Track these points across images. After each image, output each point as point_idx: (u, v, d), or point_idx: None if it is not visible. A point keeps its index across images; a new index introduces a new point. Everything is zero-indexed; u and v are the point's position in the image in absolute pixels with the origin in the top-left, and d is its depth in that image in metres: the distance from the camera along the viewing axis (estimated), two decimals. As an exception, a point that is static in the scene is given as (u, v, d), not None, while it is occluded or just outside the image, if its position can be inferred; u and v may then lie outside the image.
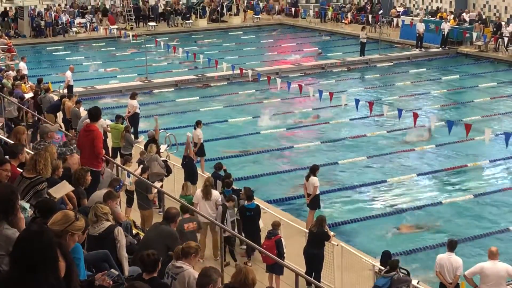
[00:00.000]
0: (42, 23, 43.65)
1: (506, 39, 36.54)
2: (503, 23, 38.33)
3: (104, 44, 42.61)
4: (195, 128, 18.82)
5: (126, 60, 37.26)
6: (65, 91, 25.11)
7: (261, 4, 52.77)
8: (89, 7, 48.80)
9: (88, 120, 13.18)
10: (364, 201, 18.30)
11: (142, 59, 33.23)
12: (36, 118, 18.36)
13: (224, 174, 15.69)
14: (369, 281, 12.60)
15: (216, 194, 13.98)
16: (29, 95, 21.68)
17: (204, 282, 6.69)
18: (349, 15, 47.98)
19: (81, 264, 6.70)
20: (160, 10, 49.47)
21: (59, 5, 47.01)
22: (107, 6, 49.31)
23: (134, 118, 21.59)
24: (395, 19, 43.67)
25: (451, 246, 11.82)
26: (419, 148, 22.28)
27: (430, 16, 43.38)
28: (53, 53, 40.56)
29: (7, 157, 9.37)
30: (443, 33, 37.97)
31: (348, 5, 51.31)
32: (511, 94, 29.81)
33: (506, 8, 41.23)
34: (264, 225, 13.98)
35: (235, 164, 20.40)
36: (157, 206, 15.45)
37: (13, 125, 16.37)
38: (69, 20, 45.13)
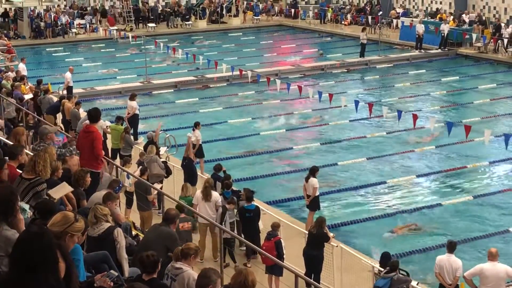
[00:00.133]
0: (42, 24, 43.67)
1: (505, 41, 36.55)
2: (502, 24, 38.34)
3: (103, 45, 42.62)
4: (193, 130, 18.81)
5: (125, 61, 37.26)
6: (65, 92, 25.12)
7: (260, 6, 52.80)
8: (88, 8, 48.81)
9: (87, 121, 13.18)
10: (363, 203, 18.30)
11: (141, 60, 33.24)
12: (36, 119, 18.34)
13: (224, 175, 15.69)
14: (369, 282, 12.60)
15: (216, 195, 13.97)
16: (28, 96, 21.67)
17: (204, 283, 6.68)
18: (348, 16, 48.00)
19: (81, 265, 6.70)
20: (159, 10, 49.44)
21: (58, 6, 46.99)
22: (106, 7, 49.34)
23: (133, 119, 21.58)
24: (394, 21, 43.71)
25: (451, 247, 11.82)
26: (419, 150, 22.28)
27: (429, 18, 43.42)
28: (53, 54, 40.57)
29: (6, 158, 9.36)
30: (443, 34, 37.98)
31: (347, 7, 51.34)
32: (511, 95, 29.81)
33: (505, 9, 41.24)
34: (264, 226, 13.98)
35: (235, 165, 20.39)
36: (156, 207, 15.45)
37: (12, 126, 16.38)
38: (69, 21, 45.15)
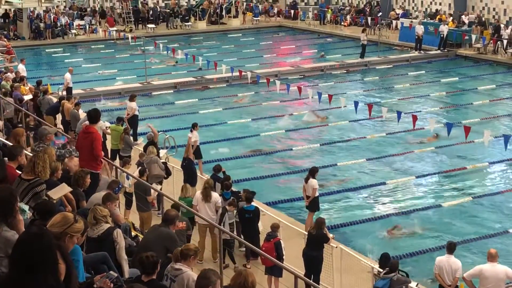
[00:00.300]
0: (41, 25, 43.68)
1: (505, 41, 36.56)
2: (502, 25, 38.35)
3: (103, 46, 42.64)
4: (191, 131, 18.81)
5: (125, 62, 37.26)
6: (64, 93, 25.12)
7: (260, 6, 52.82)
8: (88, 9, 48.83)
9: (87, 122, 13.18)
10: (363, 203, 18.29)
11: (141, 61, 33.24)
12: (37, 121, 18.34)
13: (223, 176, 15.69)
14: (368, 283, 12.60)
15: (215, 196, 13.97)
16: (28, 97, 21.67)
17: (203, 284, 6.68)
18: (348, 17, 48.03)
19: (80, 266, 6.69)
20: (158, 11, 49.45)
21: (57, 7, 46.98)
22: (107, 8, 49.35)
23: (133, 120, 21.57)
24: (394, 22, 43.73)
25: (450, 248, 11.82)
26: (418, 151, 22.28)
27: (429, 19, 43.44)
28: (52, 55, 40.57)
29: (6, 159, 9.36)
30: (442, 35, 37.99)
31: (347, 7, 51.36)
32: (510, 96, 29.83)
33: (505, 10, 41.25)
34: (263, 227, 13.97)
35: (234, 166, 20.38)
36: (156, 208, 15.45)
37: (10, 126, 16.38)
38: (68, 22, 45.15)
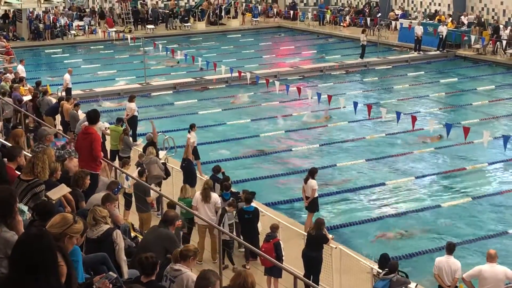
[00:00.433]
0: (41, 25, 43.67)
1: (504, 42, 36.58)
2: (501, 26, 38.36)
3: (102, 46, 42.64)
4: (189, 132, 18.82)
5: (124, 63, 37.26)
6: (64, 93, 25.11)
7: (259, 7, 52.84)
8: (87, 10, 48.82)
9: (86, 123, 13.17)
10: (362, 204, 18.29)
11: (140, 62, 33.24)
12: (36, 123, 18.33)
13: (223, 176, 15.69)
14: (367, 283, 12.60)
15: (215, 197, 13.97)
16: (27, 97, 21.67)
17: (203, 284, 6.68)
18: (347, 18, 48.05)
19: (80, 267, 6.69)
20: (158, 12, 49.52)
21: (56, 7, 46.96)
22: (106, 9, 49.35)
23: (132, 121, 21.57)
24: (393, 22, 43.77)
25: (450, 249, 11.82)
26: (418, 151, 22.29)
27: (428, 19, 43.45)
28: (52, 56, 40.56)
29: (5, 159, 9.36)
30: (441, 36, 38.01)
31: (346, 8, 51.36)
32: (509, 97, 29.84)
33: (504, 11, 41.27)
34: (263, 228, 13.97)
35: (234, 166, 20.38)
36: (155, 209, 15.45)
37: (9, 127, 16.38)
38: (68, 22, 45.14)
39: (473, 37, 37.49)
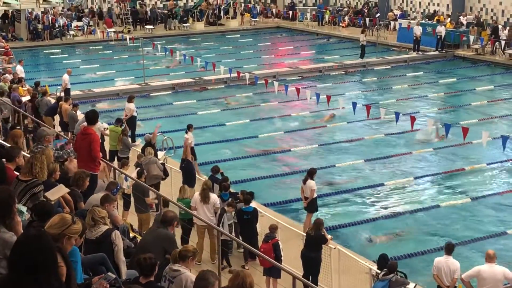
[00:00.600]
0: (39, 26, 43.64)
1: (503, 42, 36.59)
2: (500, 26, 38.38)
3: (101, 47, 42.63)
4: (186, 132, 18.83)
5: (123, 63, 37.26)
6: (63, 94, 25.09)
7: (258, 8, 52.84)
8: (85, 10, 48.79)
9: (85, 123, 13.16)
10: (361, 205, 18.29)
11: (139, 62, 33.22)
12: (35, 123, 18.32)
13: (221, 177, 15.69)
14: (366, 284, 12.60)
15: (214, 197, 13.96)
16: (26, 98, 21.66)
17: (201, 285, 6.68)
18: (346, 18, 48.06)
19: (78, 268, 6.69)
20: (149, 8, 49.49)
21: (55, 8, 46.94)
22: (104, 9, 49.33)
23: (131, 122, 21.56)
24: (392, 22, 43.78)
25: (449, 249, 11.83)
26: (417, 152, 22.29)
27: (427, 19, 43.48)
28: (50, 56, 40.55)
29: (4, 160, 9.35)
30: (439, 36, 38.02)
31: (345, 9, 51.36)
32: (508, 97, 29.85)
33: (503, 11, 41.29)
34: (262, 228, 13.97)
35: (233, 167, 20.38)
36: (154, 209, 15.43)
37: (7, 127, 16.37)
38: (66, 23, 45.12)
39: (472, 38, 37.50)
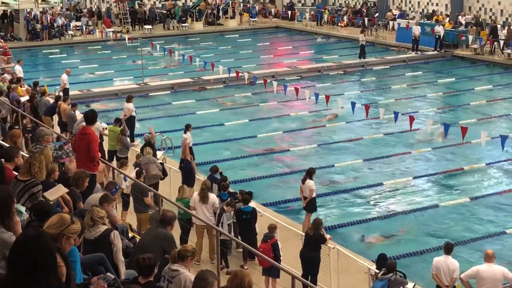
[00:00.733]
0: (38, 26, 43.61)
1: (501, 42, 36.61)
2: (498, 26, 38.39)
3: (100, 47, 42.61)
4: (185, 132, 18.82)
5: (122, 63, 37.26)
6: (61, 94, 25.06)
7: (257, 7, 52.84)
8: (84, 10, 48.76)
9: (84, 123, 13.16)
10: (360, 204, 18.30)
11: (138, 62, 33.22)
12: (34, 123, 18.30)
13: (220, 177, 15.69)
14: (365, 284, 12.60)
15: (213, 197, 13.95)
16: (25, 98, 21.64)
17: (201, 285, 6.67)
18: (345, 18, 48.07)
19: (77, 268, 6.68)
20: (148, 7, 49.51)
21: (54, 8, 46.92)
22: (103, 9, 49.32)
23: (130, 121, 21.56)
24: (391, 22, 43.81)
25: (448, 249, 11.83)
26: (416, 151, 22.30)
27: (426, 19, 43.50)
28: (49, 56, 40.52)
29: (2, 160, 9.35)
30: (437, 36, 38.03)
31: (344, 8, 51.38)
32: (507, 97, 29.86)
33: (501, 11, 41.32)
34: (260, 228, 13.96)
35: (231, 167, 20.38)
36: (156, 208, 15.41)
37: (5, 126, 16.35)
38: (65, 23, 45.10)
39: (470, 37, 37.52)
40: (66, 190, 9.43)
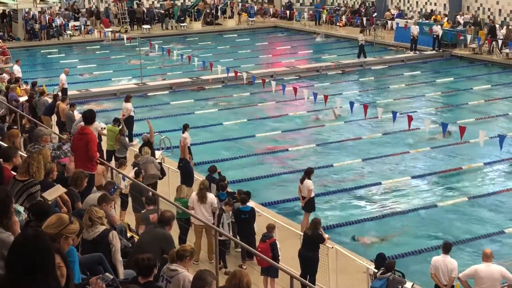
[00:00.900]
0: (37, 26, 43.58)
1: (500, 42, 36.63)
2: (497, 26, 38.42)
3: (98, 47, 42.59)
4: (183, 132, 18.82)
5: (120, 63, 37.24)
6: (60, 93, 25.04)
7: (255, 7, 52.85)
8: (82, 10, 48.73)
9: (82, 123, 13.16)
10: (359, 204, 18.30)
11: (136, 62, 33.22)
12: (33, 123, 18.28)
13: (219, 177, 15.69)
14: (364, 283, 12.62)
15: (211, 197, 13.96)
16: (23, 98, 21.63)
17: (199, 285, 6.68)
18: (343, 17, 48.08)
19: (76, 268, 6.68)
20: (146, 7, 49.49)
21: (52, 7, 46.87)
22: (101, 9, 49.29)
23: (128, 121, 21.56)
24: (389, 22, 43.79)
25: (446, 248, 11.84)
26: (414, 151, 22.31)
27: (424, 19, 43.51)
28: (48, 56, 40.50)
29: (1, 160, 9.35)
30: (435, 35, 38.04)
31: (342, 8, 51.40)
32: (505, 96, 29.89)
33: (500, 10, 41.34)
34: (259, 228, 13.97)
35: (230, 166, 20.39)
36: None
37: (3, 126, 16.33)
38: (64, 23, 45.07)
39: (469, 37, 37.55)
40: (65, 190, 9.44)
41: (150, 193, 13.08)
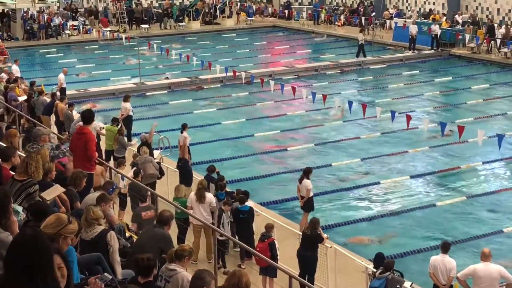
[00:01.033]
0: (35, 25, 43.56)
1: (498, 41, 36.64)
2: (495, 25, 38.44)
3: (97, 46, 42.57)
4: (181, 132, 18.82)
5: (119, 63, 37.23)
6: (58, 93, 25.03)
7: (254, 7, 52.85)
8: (81, 10, 48.70)
9: (81, 123, 13.16)
10: (357, 203, 18.30)
11: (135, 62, 33.21)
12: (32, 123, 18.27)
13: (217, 176, 15.68)
14: (362, 283, 12.61)
15: (210, 197, 13.95)
16: (22, 98, 21.61)
17: (198, 284, 6.67)
18: (342, 17, 48.09)
19: (75, 268, 6.68)
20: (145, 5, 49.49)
21: (50, 7, 46.82)
22: (100, 9, 49.27)
23: (127, 121, 21.55)
24: (388, 21, 43.79)
25: (445, 248, 11.85)
26: (413, 150, 22.32)
27: (422, 18, 43.53)
28: (46, 56, 40.48)
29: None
30: (433, 35, 38.06)
31: (341, 7, 51.42)
32: (504, 96, 29.91)
33: (498, 10, 41.36)
34: (258, 227, 13.97)
35: (229, 166, 20.38)
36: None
37: (2, 126, 16.34)
38: (62, 22, 45.05)
39: (467, 36, 37.56)
40: (63, 189, 9.44)
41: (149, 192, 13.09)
